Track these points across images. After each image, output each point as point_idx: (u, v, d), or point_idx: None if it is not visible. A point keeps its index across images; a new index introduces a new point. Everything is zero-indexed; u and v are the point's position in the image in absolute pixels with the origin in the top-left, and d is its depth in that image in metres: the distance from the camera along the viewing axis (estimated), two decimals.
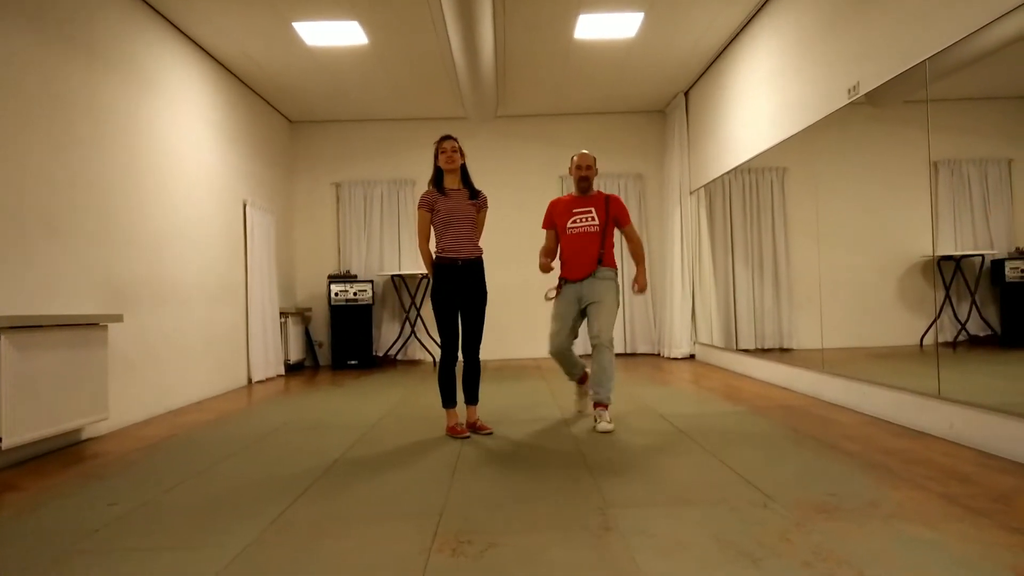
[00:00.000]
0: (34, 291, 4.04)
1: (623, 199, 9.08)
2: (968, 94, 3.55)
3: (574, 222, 4.42)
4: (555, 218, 4.53)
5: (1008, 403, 3.23)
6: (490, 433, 4.13)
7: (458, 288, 4.11)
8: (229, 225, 6.90)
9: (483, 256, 4.29)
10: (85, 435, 4.38)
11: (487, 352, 9.01)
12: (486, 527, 2.45)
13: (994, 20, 3.20)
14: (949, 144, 3.64)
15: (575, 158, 4.47)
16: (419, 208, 4.14)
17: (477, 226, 4.21)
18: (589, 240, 4.37)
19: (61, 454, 3.98)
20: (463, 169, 4.22)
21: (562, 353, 4.48)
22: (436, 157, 4.18)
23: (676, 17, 6.14)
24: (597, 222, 4.38)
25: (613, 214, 4.41)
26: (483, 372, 7.50)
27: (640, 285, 4.45)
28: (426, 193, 4.14)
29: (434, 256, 4.18)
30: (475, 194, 4.23)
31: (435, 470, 3.29)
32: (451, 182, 4.19)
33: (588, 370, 4.57)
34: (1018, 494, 2.63)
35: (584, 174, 4.42)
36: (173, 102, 5.83)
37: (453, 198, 4.13)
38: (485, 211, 4.28)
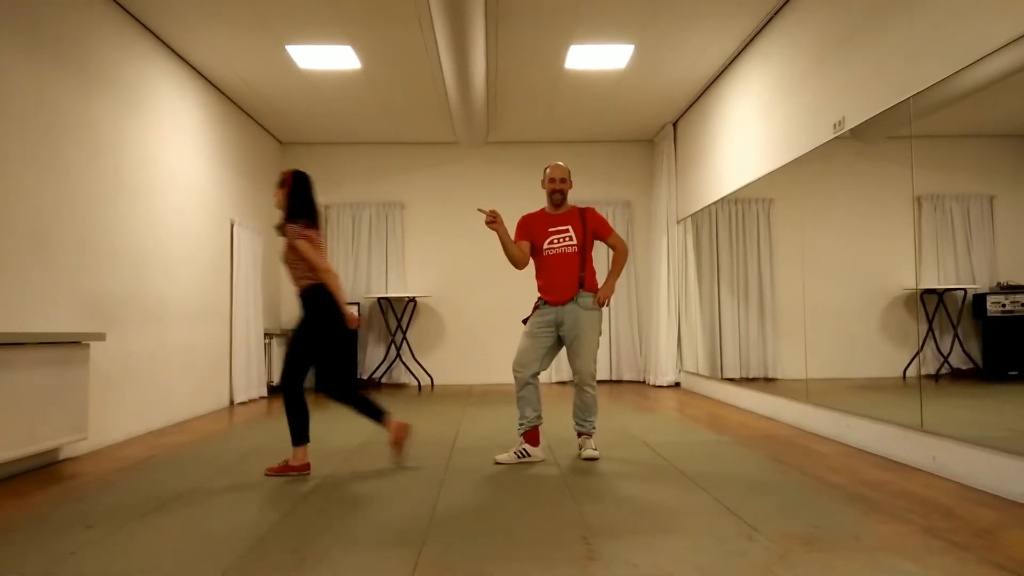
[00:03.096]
0: (17, 307, 4.00)
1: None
2: (951, 131, 3.61)
3: (551, 243, 4.12)
4: (533, 234, 4.19)
5: (990, 437, 3.25)
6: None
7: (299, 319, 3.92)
8: (216, 244, 6.88)
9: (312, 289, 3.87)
10: (63, 455, 4.32)
11: (472, 376, 8.99)
12: (469, 556, 2.43)
13: (977, 60, 3.27)
14: (932, 179, 3.70)
15: (548, 170, 4.22)
16: (301, 239, 3.74)
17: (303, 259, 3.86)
18: (568, 262, 4.09)
19: (37, 474, 3.91)
20: None
21: (525, 371, 4.06)
22: (311, 190, 3.93)
23: (666, 50, 6.23)
24: (575, 242, 4.10)
25: (591, 229, 4.16)
26: (469, 396, 7.47)
27: (602, 297, 4.07)
28: (305, 223, 3.82)
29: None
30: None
31: (417, 497, 3.26)
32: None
33: (538, 425, 4.10)
34: (1000, 528, 2.64)
35: (558, 187, 4.16)
36: (163, 121, 5.83)
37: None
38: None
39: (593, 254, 4.25)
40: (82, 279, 4.60)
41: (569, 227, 4.15)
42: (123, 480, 3.72)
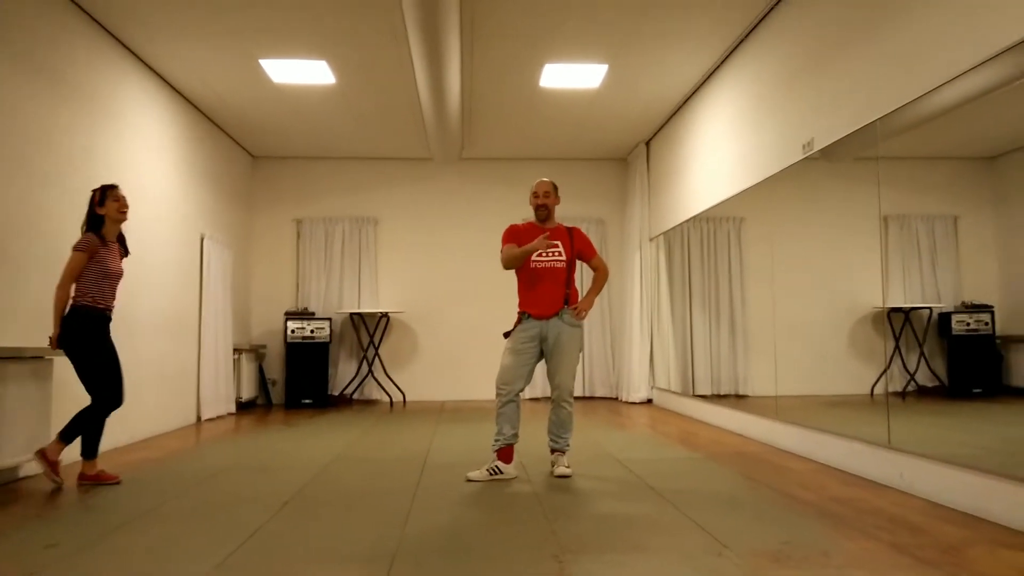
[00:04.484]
0: None
1: None
2: (917, 153, 3.69)
3: (539, 255, 4.13)
4: (519, 243, 4.17)
5: (956, 454, 3.30)
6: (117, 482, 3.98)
7: (105, 337, 4.00)
8: (185, 258, 6.79)
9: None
10: (23, 472, 4.21)
11: (444, 392, 8.95)
12: (439, 573, 2.41)
13: (942, 84, 3.35)
14: (899, 200, 3.77)
15: (533, 186, 4.26)
16: (78, 251, 3.86)
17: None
18: (555, 276, 4.11)
19: None
20: None
21: (509, 388, 4.03)
22: (100, 205, 3.98)
23: (639, 71, 6.30)
24: (564, 257, 4.13)
25: (578, 248, 4.21)
26: (441, 412, 7.43)
27: (581, 308, 4.12)
28: (91, 237, 3.92)
29: (72, 304, 3.91)
30: (125, 250, 4.19)
31: (388, 514, 3.23)
32: (113, 233, 4.06)
33: (513, 443, 4.08)
34: (966, 545, 2.67)
35: (542, 202, 4.20)
36: (134, 133, 5.76)
37: (113, 252, 4.03)
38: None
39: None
40: (46, 292, 4.50)
41: (558, 242, 4.18)
42: (86, 498, 3.63)
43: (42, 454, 3.90)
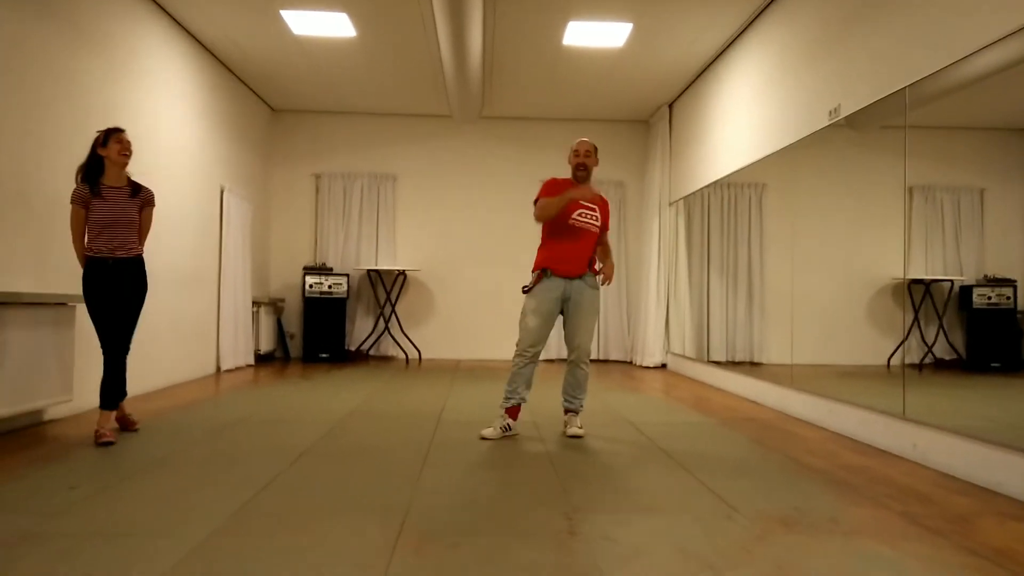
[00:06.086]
0: (2, 267, 3.96)
1: None
2: (945, 123, 3.62)
3: (580, 215, 4.07)
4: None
5: (970, 426, 3.30)
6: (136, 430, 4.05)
7: (112, 286, 3.85)
8: (205, 211, 6.83)
9: (143, 254, 4.03)
10: (47, 416, 4.31)
11: (459, 351, 9.01)
12: (451, 527, 2.45)
13: (974, 52, 3.27)
14: (924, 170, 3.71)
15: (575, 144, 4.17)
16: (71, 203, 3.80)
17: (142, 225, 4.00)
18: (590, 239, 4.11)
19: (21, 435, 3.90)
20: None
21: (534, 349, 4.06)
22: (103, 146, 3.81)
23: (664, 30, 6.19)
24: (598, 223, 4.14)
25: (603, 221, 4.22)
26: (457, 372, 7.49)
27: (608, 275, 4.18)
28: (79, 189, 3.80)
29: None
30: (137, 191, 3.95)
31: (402, 468, 3.28)
32: (115, 178, 3.88)
33: (521, 403, 4.12)
34: (975, 516, 2.69)
35: (583, 161, 4.10)
36: (154, 83, 5.75)
37: (110, 198, 3.84)
38: (151, 208, 4.04)
39: None
40: (69, 241, 4.55)
41: (596, 208, 4.16)
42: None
43: (96, 435, 3.81)
